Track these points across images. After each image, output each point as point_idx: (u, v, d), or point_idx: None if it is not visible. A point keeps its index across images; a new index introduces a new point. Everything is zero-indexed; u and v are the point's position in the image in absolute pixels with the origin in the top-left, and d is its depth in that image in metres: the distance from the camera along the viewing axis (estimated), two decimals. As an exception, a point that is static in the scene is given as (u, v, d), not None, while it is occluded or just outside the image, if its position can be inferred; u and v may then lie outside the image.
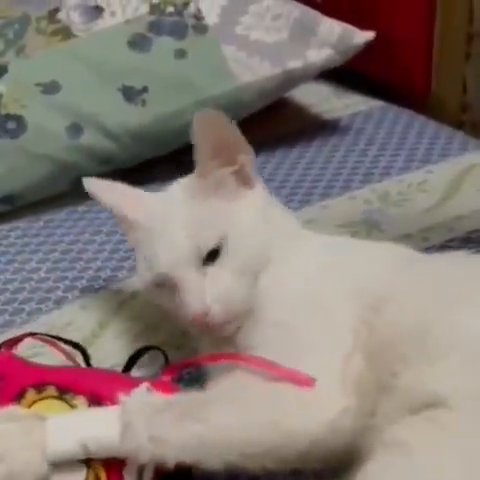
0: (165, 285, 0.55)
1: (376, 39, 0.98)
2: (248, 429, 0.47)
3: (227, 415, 0.48)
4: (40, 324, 0.69)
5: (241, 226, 0.54)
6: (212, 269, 0.53)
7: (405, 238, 0.75)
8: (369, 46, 0.94)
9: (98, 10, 0.90)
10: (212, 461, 0.47)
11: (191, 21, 0.89)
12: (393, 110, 1.04)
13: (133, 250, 0.76)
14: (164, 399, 0.49)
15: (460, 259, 0.55)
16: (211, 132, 0.54)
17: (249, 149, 0.57)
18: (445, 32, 0.99)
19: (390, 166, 0.89)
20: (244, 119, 0.93)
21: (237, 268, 0.53)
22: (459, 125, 1.00)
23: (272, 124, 1.01)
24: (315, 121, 1.03)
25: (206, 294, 0.52)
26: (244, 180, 0.56)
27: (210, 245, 0.53)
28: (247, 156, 0.56)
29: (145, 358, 0.58)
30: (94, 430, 0.47)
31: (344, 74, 1.10)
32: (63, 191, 0.88)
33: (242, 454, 0.47)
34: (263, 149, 0.95)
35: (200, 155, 0.55)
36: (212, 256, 0.53)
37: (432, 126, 0.98)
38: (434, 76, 1.03)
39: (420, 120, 1.00)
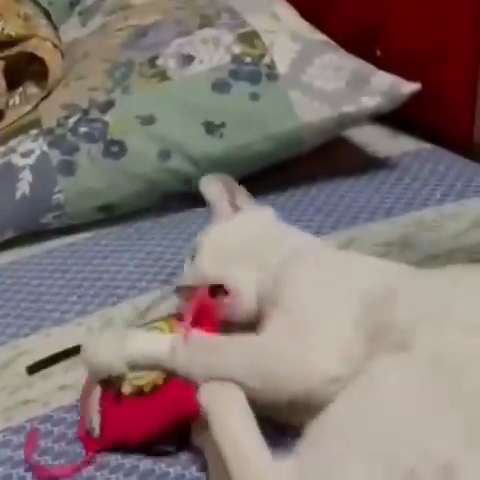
0: None
1: (429, 90, 1.12)
2: (260, 377, 0.58)
3: (242, 364, 0.60)
4: (128, 304, 0.86)
5: (206, 233, 0.77)
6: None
7: (433, 258, 0.88)
8: (424, 96, 1.08)
9: (190, 58, 1.08)
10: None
11: (265, 70, 1.05)
12: (438, 152, 1.16)
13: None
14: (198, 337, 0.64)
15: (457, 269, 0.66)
16: (217, 183, 0.80)
17: (243, 191, 0.80)
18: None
19: (429, 199, 1.02)
20: (306, 155, 1.10)
21: (202, 253, 0.74)
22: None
23: (330, 160, 1.15)
24: (368, 159, 1.17)
25: (186, 273, 0.76)
26: (237, 210, 0.78)
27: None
28: (239, 194, 0.79)
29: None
30: (143, 342, 0.65)
31: (400, 120, 1.25)
32: (152, 205, 1.06)
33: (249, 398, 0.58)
34: (318, 181, 1.10)
35: (210, 201, 0.80)
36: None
37: (471, 167, 1.11)
38: (476, 125, 1.16)
39: (461, 162, 1.13)
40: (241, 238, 0.74)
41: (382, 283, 0.63)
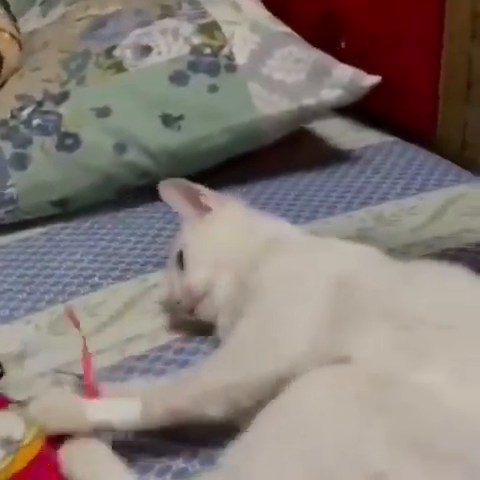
0: None
1: (392, 83, 1.12)
2: (242, 373, 0.59)
3: (222, 366, 0.61)
4: (77, 302, 0.84)
5: (191, 237, 0.75)
6: (183, 272, 0.74)
7: (389, 252, 0.87)
8: (387, 88, 1.07)
9: (148, 49, 1.06)
10: (213, 409, 0.59)
11: (224, 61, 1.04)
12: (401, 145, 1.16)
13: (160, 250, 0.93)
14: (171, 377, 0.64)
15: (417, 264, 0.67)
16: (173, 192, 0.79)
17: (202, 189, 0.78)
18: (448, 79, 1.12)
19: (388, 192, 1.02)
20: (266, 148, 1.09)
21: (193, 267, 0.73)
22: (460, 161, 1.11)
23: (291, 153, 1.15)
24: (330, 152, 1.16)
25: (177, 290, 0.74)
26: (205, 208, 0.77)
27: (174, 255, 0.76)
28: (202, 195, 0.78)
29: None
30: (120, 412, 0.60)
31: (364, 113, 1.24)
32: (108, 199, 1.03)
33: (235, 395, 0.59)
34: (279, 175, 1.09)
35: (173, 207, 0.80)
36: (182, 263, 0.74)
37: (433, 160, 1.10)
38: (439, 117, 1.15)
39: (423, 154, 1.12)
40: (221, 243, 0.74)
41: (349, 268, 0.64)
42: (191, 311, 0.73)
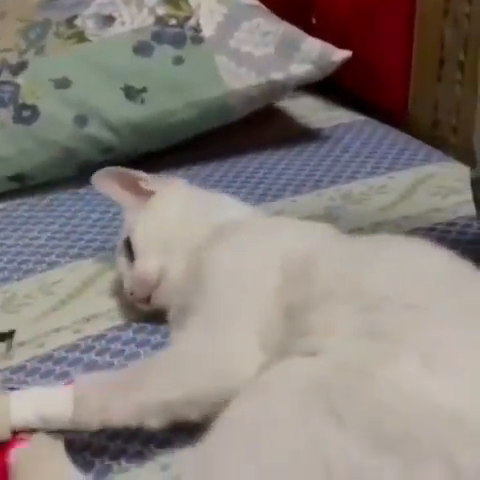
0: None
1: (364, 61, 1.09)
2: (179, 391, 0.55)
3: (161, 382, 0.56)
4: (34, 280, 0.81)
5: (138, 224, 0.71)
6: (133, 261, 0.70)
7: (357, 231, 0.85)
8: (359, 67, 1.05)
9: (110, 19, 1.02)
10: (152, 421, 0.55)
11: (190, 33, 1.00)
12: (372, 124, 1.14)
13: (121, 227, 0.90)
14: (106, 374, 0.59)
15: (375, 238, 0.64)
16: (109, 182, 0.75)
17: (140, 174, 0.75)
18: (420, 57, 1.09)
19: (358, 171, 1.00)
20: (236, 125, 1.06)
21: (144, 254, 0.69)
22: (431, 140, 1.10)
23: (261, 131, 1.12)
24: (300, 130, 1.14)
25: (128, 280, 0.70)
26: (147, 193, 0.73)
27: (120, 244, 0.72)
28: (140, 180, 0.74)
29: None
30: (51, 405, 0.55)
31: (336, 91, 1.22)
32: (68, 175, 0.99)
33: (177, 412, 0.55)
34: (248, 152, 1.06)
35: (112, 198, 0.76)
36: (131, 252, 0.70)
37: (403, 139, 1.08)
38: (410, 96, 1.13)
39: (394, 133, 1.10)
40: (169, 225, 0.70)
41: (303, 251, 0.60)
42: (147, 301, 0.69)
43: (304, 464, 0.44)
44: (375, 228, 0.85)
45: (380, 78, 1.15)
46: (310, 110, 1.20)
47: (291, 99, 1.19)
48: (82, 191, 0.99)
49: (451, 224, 0.84)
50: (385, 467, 0.43)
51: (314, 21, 1.22)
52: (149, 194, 0.73)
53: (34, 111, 0.95)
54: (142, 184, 0.73)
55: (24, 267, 0.83)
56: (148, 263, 0.68)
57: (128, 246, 0.71)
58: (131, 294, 0.70)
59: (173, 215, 0.70)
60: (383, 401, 0.45)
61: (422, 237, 0.71)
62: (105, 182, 0.75)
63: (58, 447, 0.54)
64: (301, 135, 1.12)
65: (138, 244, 0.70)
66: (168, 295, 0.67)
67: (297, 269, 0.58)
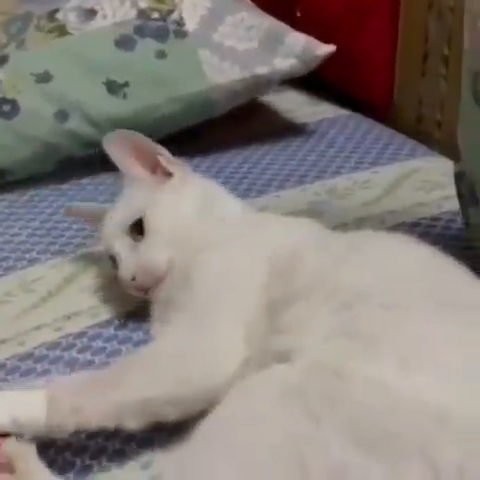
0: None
1: (349, 56, 1.09)
2: (161, 389, 0.53)
3: (140, 380, 0.54)
4: (14, 277, 0.79)
5: (156, 206, 0.66)
6: (139, 244, 0.65)
7: (342, 226, 0.84)
8: (343, 62, 1.04)
9: (92, 12, 1.01)
10: (131, 422, 0.53)
11: (173, 27, 0.99)
12: (357, 118, 1.14)
13: None
14: (84, 373, 0.57)
15: (359, 233, 0.64)
16: (121, 148, 0.68)
17: (161, 149, 0.69)
18: (404, 51, 1.09)
19: (342, 166, 0.99)
20: (219, 120, 1.05)
21: (158, 241, 0.64)
22: (416, 134, 1.10)
23: (245, 126, 1.11)
24: (285, 125, 1.13)
25: (131, 264, 0.64)
26: (163, 172, 0.68)
27: (127, 222, 0.65)
28: (161, 156, 0.69)
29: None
30: (23, 408, 0.53)
31: (321, 86, 1.21)
32: (49, 170, 0.98)
33: (156, 411, 0.53)
34: (232, 147, 1.05)
35: (120, 166, 0.69)
36: (139, 233, 0.65)
37: (388, 133, 1.08)
38: (395, 90, 1.13)
39: (378, 128, 1.10)
40: (186, 218, 0.66)
41: (288, 248, 0.59)
42: (146, 290, 0.65)
43: (281, 461, 0.43)
44: (359, 223, 0.84)
45: (365, 72, 1.15)
46: (294, 105, 1.19)
47: (275, 93, 1.18)
48: (64, 187, 0.98)
49: (435, 219, 0.84)
50: (368, 465, 0.42)
51: (298, 14, 1.22)
52: (166, 174, 0.68)
53: (14, 106, 0.94)
54: (162, 161, 0.68)
55: (4, 264, 0.81)
56: (161, 253, 0.64)
57: (138, 226, 0.65)
58: (132, 279, 0.65)
59: (191, 208, 0.66)
60: (361, 400, 0.44)
61: (406, 232, 0.71)
62: (119, 147, 0.67)
63: (31, 451, 0.52)
64: (285, 130, 1.11)
65: (155, 230, 0.65)
66: (169, 289, 0.64)
67: (283, 265, 0.58)
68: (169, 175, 0.69)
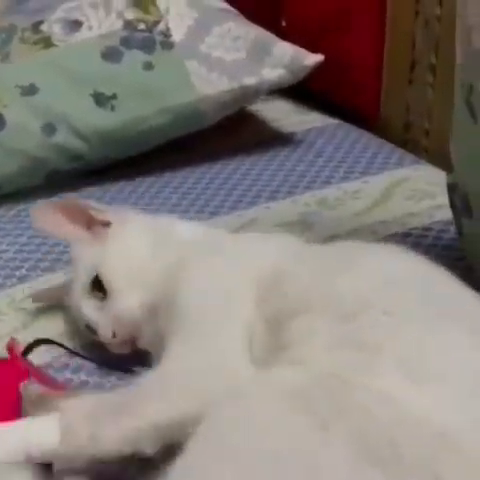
0: None
1: (336, 65, 1.09)
2: (175, 411, 0.52)
3: (154, 405, 0.53)
4: (3, 295, 0.78)
5: (107, 259, 0.64)
6: (106, 301, 0.64)
7: (334, 237, 0.84)
8: (331, 71, 1.04)
9: (77, 24, 1.00)
10: (148, 447, 0.52)
11: (159, 38, 0.98)
12: (345, 127, 1.14)
13: None
14: (98, 397, 0.55)
15: (346, 245, 0.63)
16: (50, 218, 0.67)
17: (88, 203, 0.69)
18: (391, 60, 1.09)
19: (332, 176, 0.99)
20: (207, 131, 1.04)
21: (121, 291, 0.63)
22: (403, 143, 1.10)
23: (234, 136, 1.11)
24: (273, 134, 1.13)
25: (106, 323, 0.63)
26: (101, 224, 0.67)
27: (86, 284, 0.65)
28: (91, 209, 0.68)
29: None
30: (36, 437, 0.51)
31: (308, 94, 1.21)
32: (36, 184, 0.96)
33: (173, 434, 0.51)
34: (221, 158, 1.05)
35: (56, 235, 0.70)
36: (101, 291, 0.64)
37: (376, 143, 1.08)
38: (382, 99, 1.13)
39: (366, 137, 1.10)
40: (138, 257, 0.64)
41: (273, 264, 0.59)
42: (132, 342, 0.64)
43: (289, 467, 0.42)
44: (352, 234, 0.84)
45: (351, 81, 1.15)
46: (282, 114, 1.19)
47: (263, 102, 1.17)
48: (52, 201, 0.97)
49: (427, 229, 0.84)
50: (374, 477, 0.41)
51: (284, 24, 1.21)
52: (103, 225, 0.67)
53: (0, 120, 0.92)
54: (95, 215, 0.68)
55: (-7, 282, 0.80)
56: (129, 301, 0.63)
57: (97, 285, 0.64)
58: (113, 337, 0.64)
59: (141, 246, 0.65)
60: (368, 411, 0.44)
61: (398, 243, 0.71)
62: (48, 216, 0.67)
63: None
64: (273, 139, 1.11)
65: (112, 280, 0.64)
66: (153, 329, 0.62)
67: (271, 280, 0.57)
68: (107, 224, 0.68)
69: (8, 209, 0.94)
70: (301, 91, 1.17)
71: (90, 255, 0.66)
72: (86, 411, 0.53)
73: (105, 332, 0.64)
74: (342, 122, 1.16)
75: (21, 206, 0.95)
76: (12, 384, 0.56)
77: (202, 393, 0.53)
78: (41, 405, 0.54)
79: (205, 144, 1.06)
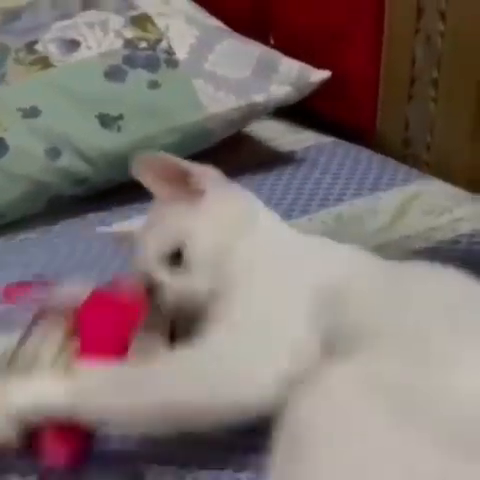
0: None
1: (329, 81, 1.08)
2: (189, 395, 0.52)
3: (180, 383, 0.53)
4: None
5: (196, 238, 0.62)
6: (179, 273, 0.61)
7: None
8: (323, 87, 1.03)
9: (75, 43, 0.95)
10: (161, 427, 0.52)
11: (163, 56, 0.95)
12: (342, 145, 1.13)
13: (93, 266, 0.82)
14: (110, 369, 0.55)
15: (415, 267, 0.61)
16: (151, 170, 0.64)
17: (191, 166, 0.65)
18: (389, 76, 1.10)
19: (343, 193, 0.98)
20: (207, 151, 1.01)
21: (198, 272, 0.61)
22: (402, 159, 1.10)
23: (233, 157, 1.07)
24: (272, 154, 1.10)
25: (172, 294, 0.61)
26: (197, 194, 0.64)
27: (166, 251, 0.62)
28: (192, 173, 0.64)
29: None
30: (49, 396, 0.53)
31: (297, 112, 1.20)
32: (39, 210, 0.91)
33: (184, 418, 0.52)
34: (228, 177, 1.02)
35: (150, 189, 0.65)
36: (177, 261, 0.61)
37: (378, 159, 1.07)
38: (379, 115, 1.13)
39: (367, 154, 1.09)
40: (225, 239, 0.62)
41: (337, 278, 0.57)
42: (178, 313, 0.61)
43: (386, 466, 0.43)
44: (379, 250, 0.82)
45: (347, 98, 1.14)
46: (277, 133, 1.17)
47: (256, 123, 1.16)
48: (57, 228, 0.91)
49: (454, 242, 0.83)
50: (472, 472, 0.42)
51: (272, 42, 1.20)
52: (198, 192, 0.63)
53: (2, 144, 0.87)
54: (194, 179, 0.63)
55: None
56: (202, 285, 0.60)
57: (176, 255, 0.61)
58: (171, 306, 0.61)
59: (231, 233, 0.62)
60: (459, 404, 0.45)
61: (427, 257, 0.70)
62: (147, 171, 0.63)
63: None
64: (274, 159, 1.09)
65: (196, 261, 0.61)
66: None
67: (332, 296, 0.56)
68: (201, 193, 0.64)
69: (10, 238, 0.89)
70: (293, 109, 1.16)
71: (178, 223, 0.63)
72: (104, 380, 0.54)
73: (169, 299, 0.61)
74: (338, 139, 1.15)
75: (24, 234, 0.89)
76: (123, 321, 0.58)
77: (222, 391, 0.52)
78: None
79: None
